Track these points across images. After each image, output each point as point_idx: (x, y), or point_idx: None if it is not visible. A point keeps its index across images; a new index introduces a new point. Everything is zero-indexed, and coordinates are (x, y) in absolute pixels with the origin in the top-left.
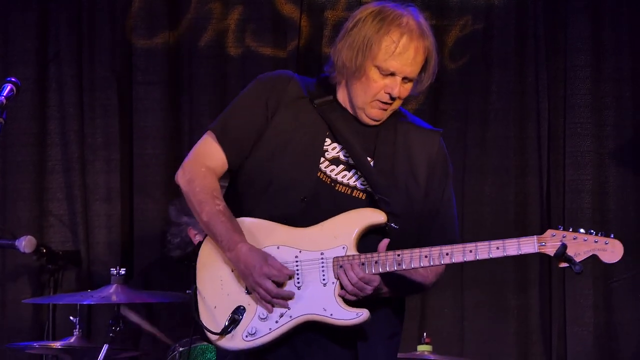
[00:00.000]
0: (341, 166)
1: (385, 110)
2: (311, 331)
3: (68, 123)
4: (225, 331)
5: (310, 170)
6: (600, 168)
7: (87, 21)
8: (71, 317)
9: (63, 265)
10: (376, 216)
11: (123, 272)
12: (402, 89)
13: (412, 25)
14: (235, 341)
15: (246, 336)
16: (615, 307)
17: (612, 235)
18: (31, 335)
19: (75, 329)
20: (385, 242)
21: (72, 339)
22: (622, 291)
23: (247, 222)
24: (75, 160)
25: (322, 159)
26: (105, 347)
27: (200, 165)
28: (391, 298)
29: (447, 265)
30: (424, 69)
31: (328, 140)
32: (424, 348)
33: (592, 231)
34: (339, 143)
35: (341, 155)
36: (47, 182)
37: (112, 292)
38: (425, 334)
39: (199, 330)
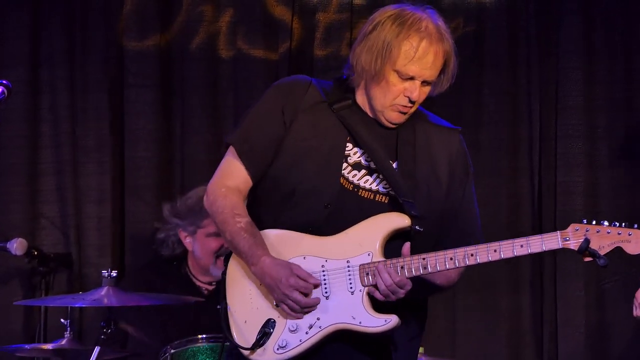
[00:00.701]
0: (363, 171)
1: (405, 113)
2: (339, 341)
3: (60, 125)
4: (257, 345)
5: (333, 176)
6: (592, 170)
7: (79, 24)
8: (62, 320)
9: (54, 267)
10: (401, 220)
11: (114, 275)
12: (421, 93)
13: (431, 29)
14: (267, 355)
15: (277, 349)
16: (607, 308)
17: (635, 226)
18: (22, 337)
19: (66, 331)
20: (407, 246)
21: (63, 342)
22: (614, 292)
23: (271, 235)
24: (67, 163)
25: (345, 165)
26: (96, 350)
27: (220, 186)
28: (415, 300)
29: None
30: (442, 71)
31: (349, 145)
32: None
33: (615, 223)
34: (360, 147)
35: (362, 160)
36: (38, 184)
37: (104, 295)
38: None
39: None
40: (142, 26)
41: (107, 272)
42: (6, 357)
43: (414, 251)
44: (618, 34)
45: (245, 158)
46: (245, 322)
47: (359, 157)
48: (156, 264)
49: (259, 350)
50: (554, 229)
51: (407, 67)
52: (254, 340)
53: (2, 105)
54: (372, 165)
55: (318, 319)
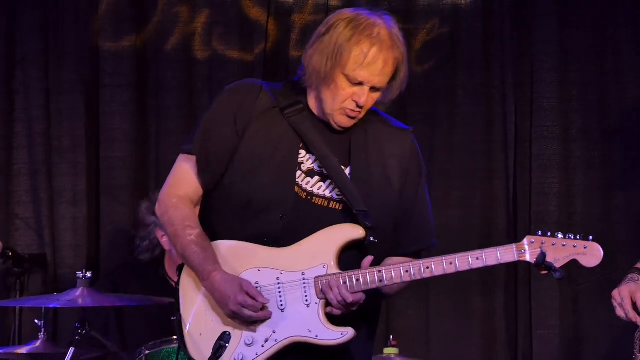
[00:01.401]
0: (316, 177)
1: (353, 118)
2: (296, 353)
3: (34, 126)
4: (213, 358)
5: (288, 185)
6: (567, 171)
7: (53, 24)
8: (36, 321)
9: (29, 268)
10: (355, 232)
11: (89, 276)
12: (369, 98)
13: (384, 36)
14: None
15: None
16: (582, 310)
17: (590, 238)
18: None
19: (41, 332)
20: (369, 259)
21: (38, 343)
22: (588, 294)
23: (224, 247)
24: (41, 163)
25: (299, 173)
26: (71, 350)
27: (172, 196)
28: (367, 306)
29: None
30: (393, 78)
31: (302, 152)
32: (390, 351)
33: (570, 235)
34: (312, 154)
35: (315, 167)
36: (13, 185)
37: (78, 295)
38: (391, 336)
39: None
40: (118, 27)
41: (82, 273)
42: None
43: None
44: (592, 36)
45: (198, 167)
46: (201, 334)
47: (312, 164)
48: (132, 265)
49: None
50: (529, 231)
51: (356, 73)
52: (210, 354)
53: None
54: (325, 171)
55: (274, 332)
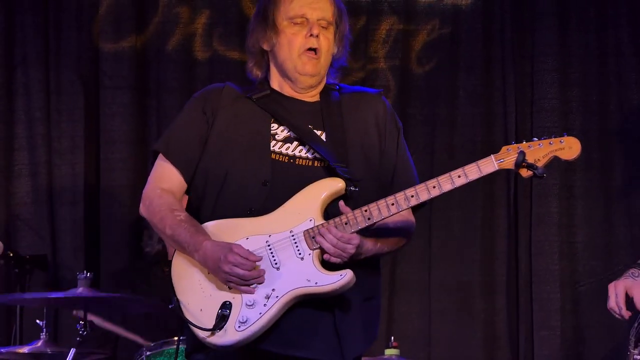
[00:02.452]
0: (295, 142)
1: (317, 59)
2: (298, 310)
3: (35, 127)
4: (216, 327)
5: (263, 154)
6: (567, 172)
7: (53, 25)
8: (38, 321)
9: (30, 269)
10: (334, 184)
11: (90, 276)
12: (322, 33)
13: None
14: (229, 334)
15: (239, 326)
16: (583, 311)
17: (565, 134)
18: None
19: (42, 332)
20: (341, 203)
21: (39, 343)
22: (589, 295)
23: (211, 225)
24: (42, 164)
25: (273, 142)
26: (72, 351)
27: (154, 189)
28: (364, 262)
29: (416, 237)
30: (338, 17)
31: (275, 125)
32: (391, 352)
33: (544, 137)
34: (284, 124)
35: (291, 135)
36: (13, 186)
37: (79, 293)
38: (392, 338)
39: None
40: (118, 27)
41: (83, 273)
42: None
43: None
44: (592, 37)
45: (173, 159)
46: (201, 310)
47: (287, 133)
48: (138, 266)
49: (219, 332)
50: (530, 230)
51: (293, 8)
52: (214, 324)
53: None
54: (303, 137)
55: (273, 289)
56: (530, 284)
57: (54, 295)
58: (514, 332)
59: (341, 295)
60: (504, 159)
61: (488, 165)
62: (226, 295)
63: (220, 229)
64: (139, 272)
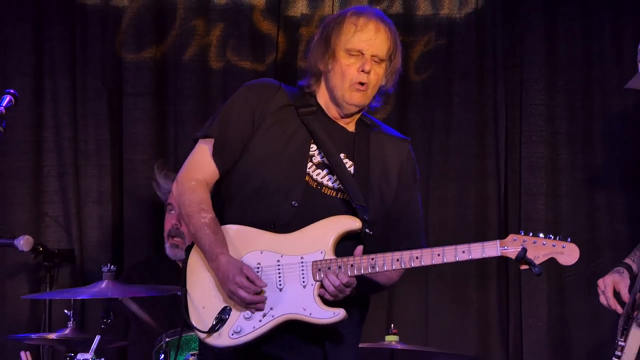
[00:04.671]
0: (325, 170)
1: (364, 92)
2: (289, 331)
3: (62, 131)
4: (213, 330)
5: (299, 175)
6: (554, 173)
7: (80, 37)
8: (66, 311)
9: (58, 262)
10: (352, 223)
11: (114, 269)
12: (373, 70)
13: (370, 11)
14: (222, 339)
15: (232, 334)
16: (568, 301)
17: (569, 240)
18: (29, 327)
19: (70, 321)
20: (360, 248)
21: (67, 331)
22: (574, 286)
23: (233, 230)
24: (69, 166)
25: (310, 164)
26: (97, 338)
27: (190, 179)
28: (357, 297)
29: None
30: (390, 58)
31: (313, 147)
32: (391, 338)
33: (550, 235)
34: (322, 148)
35: (325, 161)
36: (43, 186)
37: (104, 287)
38: (392, 325)
39: (188, 325)
40: (139, 39)
41: (107, 267)
42: (14, 345)
43: (364, 252)
44: (577, 48)
45: (215, 152)
46: (204, 307)
47: (321, 158)
48: (153, 260)
49: (214, 335)
50: (519, 228)
51: (352, 41)
52: (210, 325)
53: (10, 112)
54: (331, 165)
55: (271, 308)
56: (519, 276)
57: (80, 296)
58: (504, 320)
59: (335, 331)
60: (507, 247)
61: (492, 250)
62: (229, 301)
63: (239, 236)
64: (156, 266)
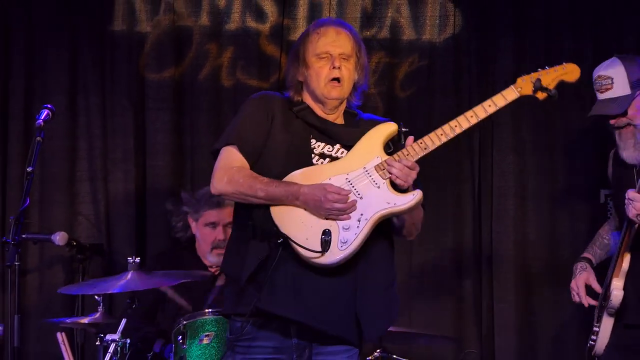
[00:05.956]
0: (327, 159)
1: (340, 86)
2: (315, 279)
3: (93, 141)
4: (324, 250)
5: (307, 165)
6: (521, 177)
7: (108, 59)
8: (96, 297)
9: (90, 255)
10: (388, 127)
11: (138, 261)
12: (343, 64)
13: (329, 19)
14: (334, 254)
15: (341, 246)
16: (533, 289)
17: (563, 62)
18: (64, 311)
19: (99, 306)
20: (411, 138)
21: (97, 315)
22: (538, 276)
23: (298, 173)
24: (99, 172)
25: (313, 155)
26: (123, 321)
27: (228, 168)
28: (381, 256)
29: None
30: (357, 50)
31: (313, 140)
32: None
33: (547, 66)
34: (320, 141)
35: (325, 151)
36: (76, 189)
37: (130, 278)
38: None
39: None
40: (160, 61)
41: (132, 259)
42: (52, 328)
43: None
44: (541, 67)
45: (243, 150)
46: (307, 239)
47: (322, 149)
48: (173, 250)
49: (327, 254)
50: (490, 226)
51: (318, 46)
52: (321, 248)
53: (48, 125)
54: (334, 154)
55: (362, 214)
56: (491, 266)
57: (111, 291)
58: (478, 305)
59: (364, 282)
60: (522, 87)
61: (511, 94)
62: (325, 224)
63: (307, 175)
64: (175, 258)
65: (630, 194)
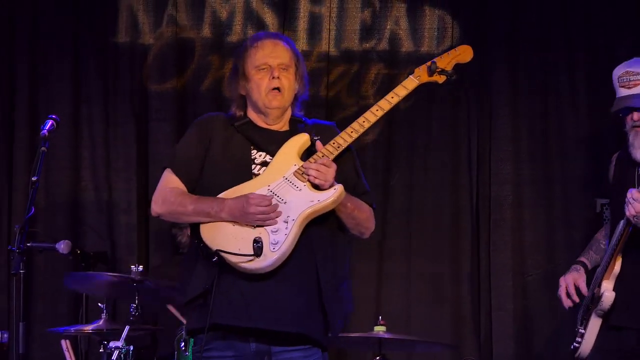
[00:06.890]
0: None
1: (281, 95)
2: (264, 284)
3: (97, 151)
4: (256, 254)
5: (247, 177)
6: (517, 186)
7: (112, 70)
8: (99, 304)
9: (93, 263)
10: (300, 138)
11: (141, 269)
12: (282, 74)
13: (265, 33)
14: (267, 257)
15: (272, 248)
16: (530, 296)
17: (457, 46)
18: (69, 318)
19: (103, 313)
20: (318, 142)
21: (100, 322)
22: (535, 284)
23: (223, 194)
24: (102, 180)
25: (253, 165)
26: (126, 328)
27: (164, 189)
28: (334, 254)
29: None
30: (296, 60)
31: (254, 151)
32: (379, 328)
33: (439, 54)
34: (262, 151)
35: (267, 159)
36: (80, 197)
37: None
38: (380, 317)
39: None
40: (162, 72)
41: (135, 267)
42: (56, 336)
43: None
44: (539, 76)
45: (179, 173)
46: (239, 249)
47: (264, 158)
48: (174, 259)
49: (261, 258)
50: (489, 236)
51: (256, 59)
52: (254, 253)
53: (52, 134)
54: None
55: (288, 216)
56: (489, 274)
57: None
58: (476, 312)
59: (319, 281)
60: (420, 75)
61: (410, 82)
62: (254, 233)
63: (234, 192)
64: (176, 265)
65: (635, 194)
